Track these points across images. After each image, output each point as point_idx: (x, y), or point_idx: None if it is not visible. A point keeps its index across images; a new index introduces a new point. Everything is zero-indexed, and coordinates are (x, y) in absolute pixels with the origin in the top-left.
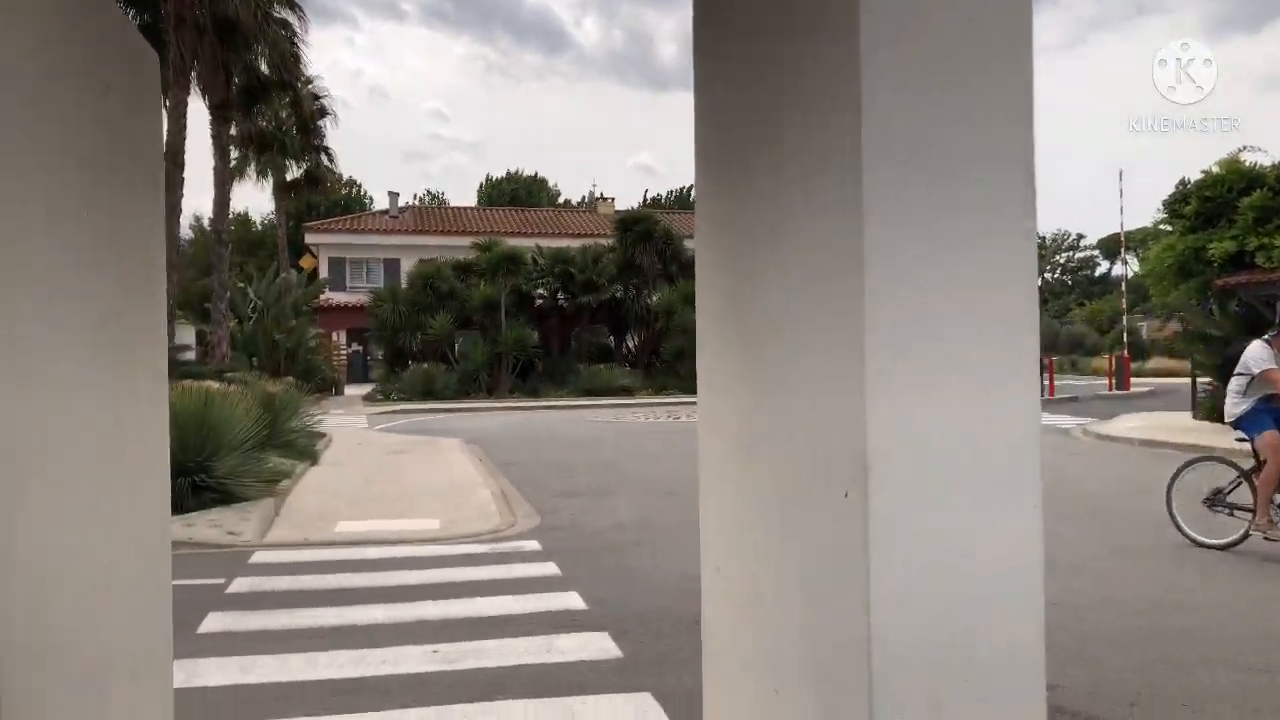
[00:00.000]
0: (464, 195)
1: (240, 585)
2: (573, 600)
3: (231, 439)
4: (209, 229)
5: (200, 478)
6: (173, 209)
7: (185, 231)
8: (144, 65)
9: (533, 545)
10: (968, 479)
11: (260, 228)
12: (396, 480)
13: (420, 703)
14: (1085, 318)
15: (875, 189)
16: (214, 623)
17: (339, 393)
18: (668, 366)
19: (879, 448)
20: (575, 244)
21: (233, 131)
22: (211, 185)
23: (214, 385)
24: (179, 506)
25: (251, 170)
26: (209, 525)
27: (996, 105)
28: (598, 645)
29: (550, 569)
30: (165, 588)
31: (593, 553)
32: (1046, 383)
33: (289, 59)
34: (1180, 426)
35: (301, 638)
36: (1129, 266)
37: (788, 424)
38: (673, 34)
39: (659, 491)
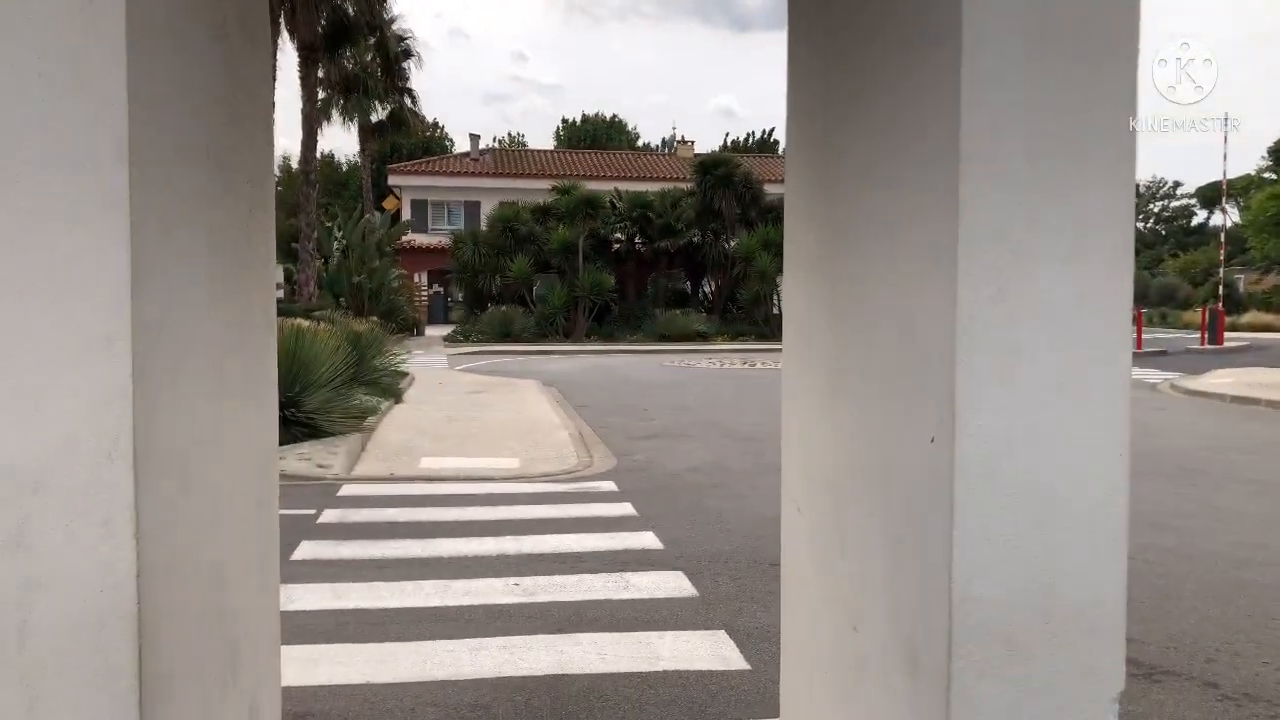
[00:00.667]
0: (543, 138)
1: (330, 516)
2: (648, 540)
3: (320, 375)
4: (297, 170)
5: (291, 412)
6: None
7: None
8: (256, 3)
9: (609, 485)
10: (1055, 426)
11: (345, 169)
12: (477, 419)
13: (503, 632)
14: (1178, 269)
15: (972, 133)
16: (306, 550)
17: (420, 333)
18: (744, 313)
19: (967, 394)
20: (654, 188)
21: (320, 74)
22: (299, 127)
23: (304, 323)
24: None
25: (337, 113)
26: (299, 458)
27: (1098, 46)
28: (673, 584)
29: (626, 509)
30: (273, 508)
31: (668, 494)
32: (1135, 335)
33: (376, 1)
34: (1275, 383)
35: (389, 567)
36: (1229, 216)
37: (877, 370)
38: None
39: (734, 436)
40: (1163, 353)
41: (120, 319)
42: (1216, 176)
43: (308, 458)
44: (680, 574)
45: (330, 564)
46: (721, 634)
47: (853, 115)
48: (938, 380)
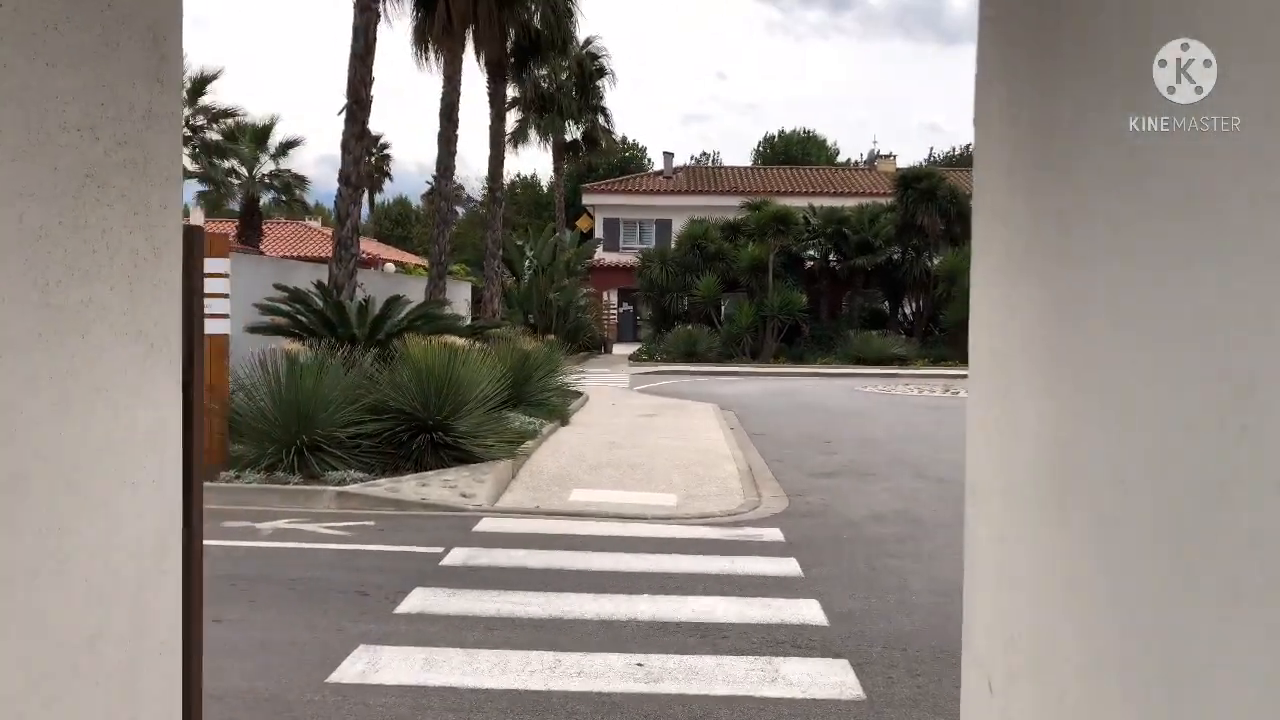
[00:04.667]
0: (741, 157)
1: (455, 557)
2: (811, 611)
3: (475, 397)
4: (484, 183)
5: (438, 435)
6: (446, 167)
7: (470, 184)
8: None
9: (774, 534)
10: None
11: (544, 190)
12: (641, 446)
13: None
14: None
15: None
16: (416, 601)
17: (607, 351)
18: (947, 336)
19: None
20: (851, 203)
21: (515, 94)
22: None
23: (457, 341)
24: (419, 464)
25: (534, 133)
26: (443, 485)
27: None
28: (835, 678)
29: (790, 566)
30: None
31: (842, 549)
32: None
33: (564, 16)
34: None
35: (500, 629)
36: None
37: (1141, 440)
38: None
39: (929, 477)
40: None
41: None
42: None
43: (452, 485)
44: (845, 664)
45: (434, 621)
46: None
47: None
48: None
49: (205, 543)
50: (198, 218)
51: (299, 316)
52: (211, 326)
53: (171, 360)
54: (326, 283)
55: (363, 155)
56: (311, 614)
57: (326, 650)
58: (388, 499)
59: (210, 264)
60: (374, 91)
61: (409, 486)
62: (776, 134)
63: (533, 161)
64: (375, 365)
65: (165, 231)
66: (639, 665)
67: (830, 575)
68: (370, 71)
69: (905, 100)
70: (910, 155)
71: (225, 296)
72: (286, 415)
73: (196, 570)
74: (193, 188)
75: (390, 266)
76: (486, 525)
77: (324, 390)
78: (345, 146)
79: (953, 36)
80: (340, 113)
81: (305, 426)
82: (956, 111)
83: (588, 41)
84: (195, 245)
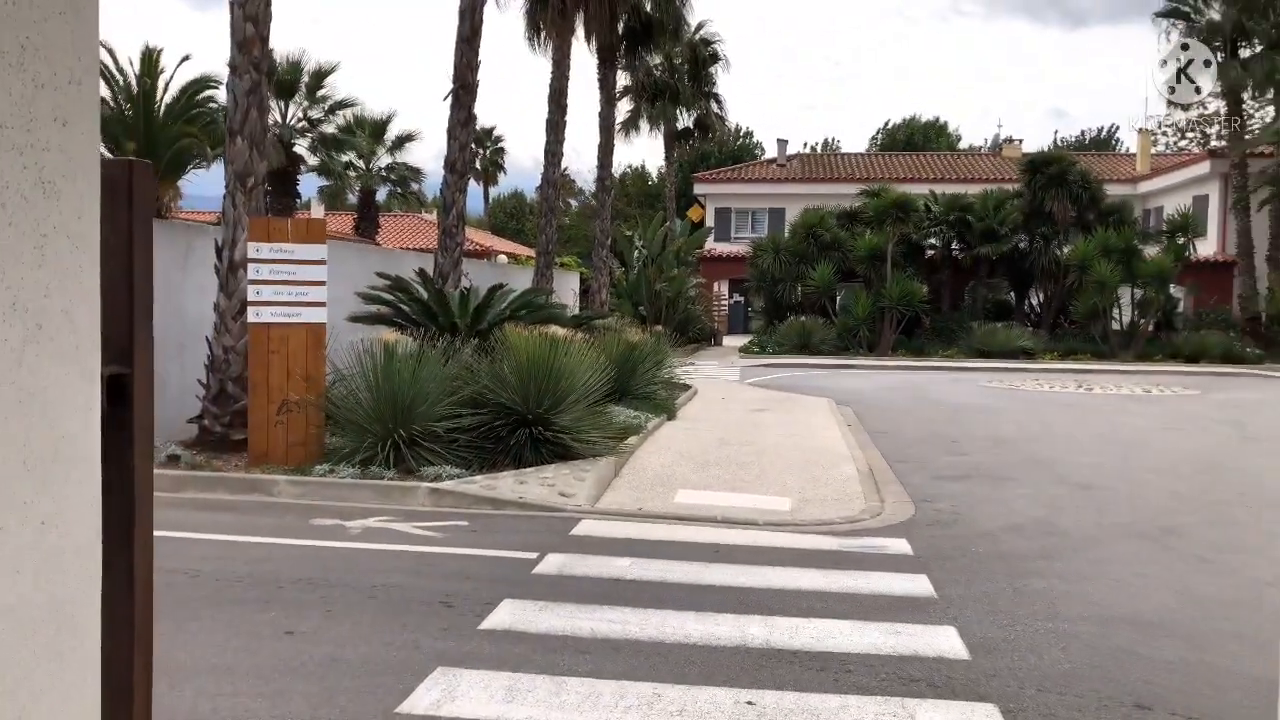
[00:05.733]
0: (857, 144)
1: (550, 564)
2: (948, 640)
3: (577, 389)
4: (594, 173)
5: (538, 430)
6: (554, 154)
7: (582, 176)
8: None
9: (900, 546)
10: None
11: (654, 180)
12: (753, 443)
13: None
14: None
15: None
16: (504, 615)
17: (717, 343)
18: (1078, 328)
19: None
20: (974, 190)
21: (627, 82)
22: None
23: (561, 332)
24: (516, 460)
25: (645, 122)
26: (542, 484)
27: None
28: None
29: (921, 585)
30: None
31: (979, 565)
32: None
33: (677, 2)
34: None
35: (594, 652)
36: None
37: None
38: None
39: (1070, 483)
40: None
41: None
42: None
43: (551, 483)
44: (992, 711)
45: (521, 640)
46: None
47: None
48: None
49: (291, 542)
50: (317, 211)
51: (401, 305)
52: (308, 315)
53: (79, 347)
54: (431, 272)
55: (468, 142)
56: (390, 627)
57: (401, 672)
58: (483, 497)
59: (303, 250)
60: (488, 86)
61: (506, 484)
62: (897, 122)
63: (643, 151)
64: (475, 356)
65: (65, 162)
66: (749, 704)
67: (967, 596)
68: (476, 55)
69: (1029, 85)
70: (1035, 141)
71: (323, 284)
72: (383, 407)
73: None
74: (313, 182)
75: (502, 258)
76: (585, 528)
77: (422, 382)
78: (451, 133)
79: (1078, 19)
80: (445, 98)
81: (402, 419)
82: (1083, 97)
83: (700, 26)
84: (130, 187)
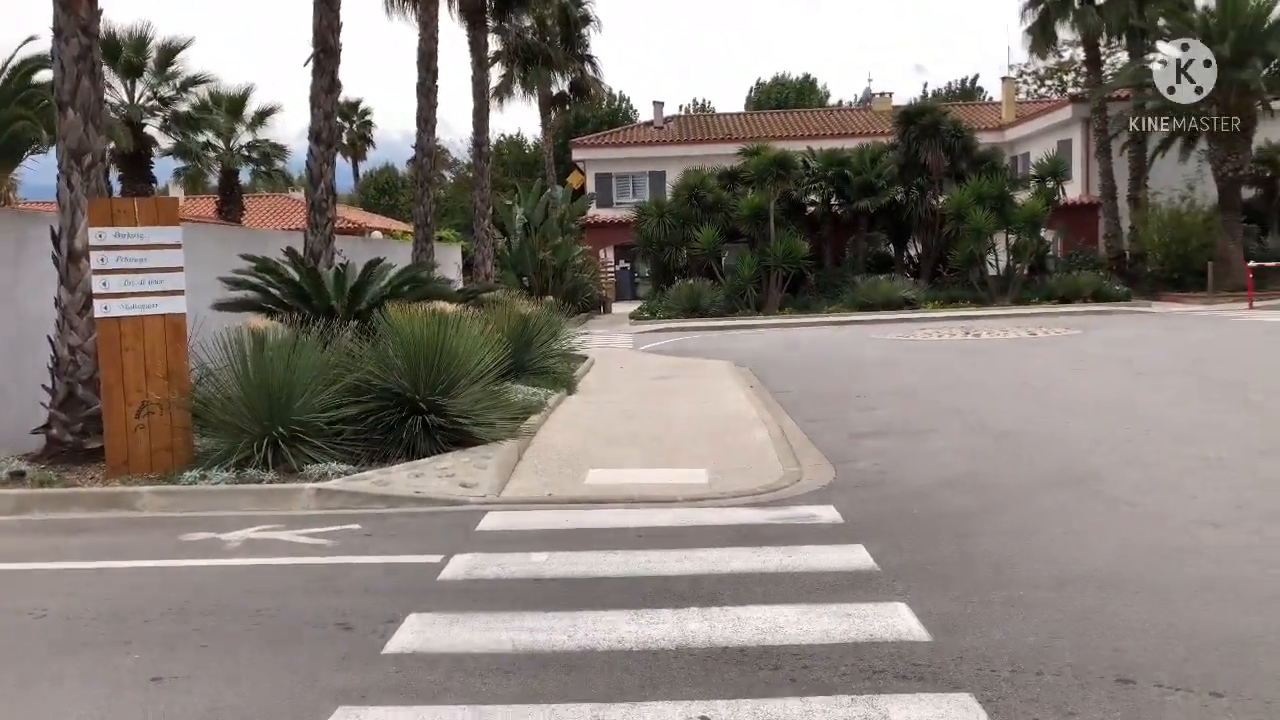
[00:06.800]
0: (731, 105)
1: (458, 567)
2: (903, 620)
3: (472, 369)
4: (469, 142)
5: (431, 419)
6: (426, 120)
7: (456, 148)
8: None
9: (829, 513)
10: None
11: (533, 149)
12: (659, 413)
13: None
14: None
15: None
16: (410, 634)
17: (606, 311)
18: (956, 275)
19: None
20: (850, 145)
21: (499, 47)
22: (471, 97)
23: (448, 308)
24: (410, 451)
25: (519, 88)
26: (440, 475)
27: None
28: None
29: (859, 556)
30: None
31: (916, 527)
32: None
33: None
34: None
35: (518, 671)
36: None
37: None
38: None
39: (988, 432)
40: None
41: None
42: None
43: (450, 474)
44: (970, 701)
45: (434, 664)
46: None
47: None
48: None
49: (158, 564)
50: (177, 195)
51: (270, 289)
52: (164, 305)
53: None
54: (301, 251)
55: (333, 110)
56: (279, 661)
57: (296, 718)
58: (376, 494)
59: (153, 233)
60: (352, 57)
61: (401, 478)
62: (767, 81)
63: (518, 120)
64: (357, 339)
65: None
66: (703, 719)
67: (912, 565)
68: (338, 16)
69: (891, 43)
70: (904, 95)
71: (179, 270)
72: (257, 402)
73: None
74: (170, 165)
75: (377, 234)
76: (492, 521)
77: (299, 371)
78: (314, 101)
79: None
80: (306, 64)
81: (279, 414)
82: (943, 52)
83: None
84: None
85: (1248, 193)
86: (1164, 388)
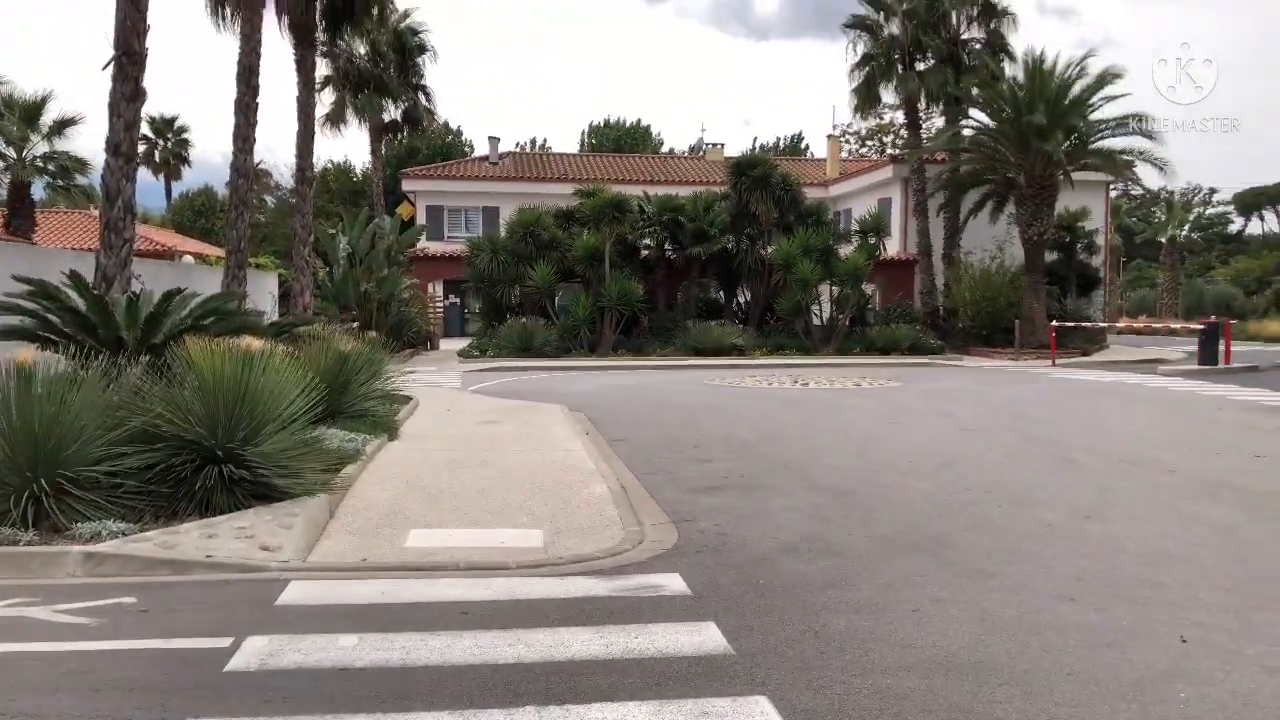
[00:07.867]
0: (566, 144)
1: (250, 653)
2: (765, 717)
3: (281, 413)
4: (293, 167)
5: (229, 469)
6: (245, 139)
7: (280, 172)
8: None
9: (675, 583)
10: None
11: (361, 178)
12: (490, 462)
13: None
14: (1230, 277)
15: None
16: None
17: (434, 347)
18: (783, 324)
19: None
20: (684, 192)
21: (329, 71)
22: (295, 118)
23: (256, 344)
24: (204, 507)
25: (351, 114)
26: (237, 535)
27: None
28: None
29: (711, 638)
30: None
31: (766, 602)
32: (1222, 348)
33: None
34: None
35: None
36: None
37: None
38: None
39: (824, 489)
40: (1254, 368)
41: None
42: (1250, 183)
43: (249, 534)
44: None
45: None
46: None
47: None
48: None
49: None
50: None
51: (48, 316)
52: None
53: None
54: (92, 275)
55: (136, 119)
56: None
57: None
58: (159, 559)
59: None
60: (172, 73)
61: (190, 539)
62: (603, 121)
63: (347, 147)
64: (148, 378)
65: None
66: None
67: (767, 649)
68: (144, 17)
69: (722, 94)
70: (735, 147)
71: None
72: (18, 449)
73: None
74: None
75: (188, 259)
76: (296, 593)
77: (74, 413)
78: (114, 109)
79: (762, 32)
80: (105, 67)
81: (45, 464)
82: (768, 107)
83: (406, 14)
84: None
85: (1050, 256)
86: (992, 445)
